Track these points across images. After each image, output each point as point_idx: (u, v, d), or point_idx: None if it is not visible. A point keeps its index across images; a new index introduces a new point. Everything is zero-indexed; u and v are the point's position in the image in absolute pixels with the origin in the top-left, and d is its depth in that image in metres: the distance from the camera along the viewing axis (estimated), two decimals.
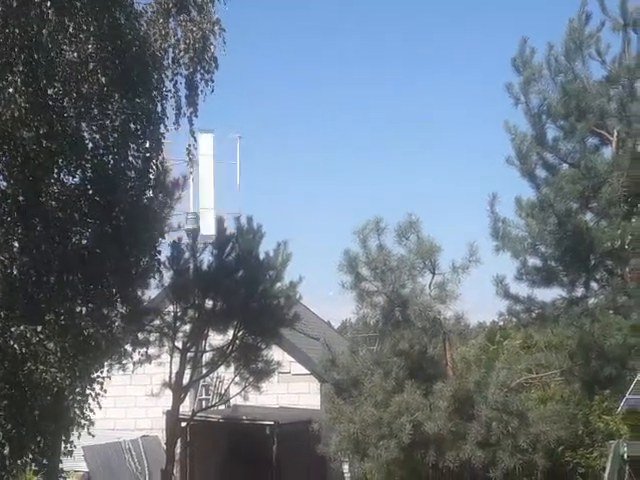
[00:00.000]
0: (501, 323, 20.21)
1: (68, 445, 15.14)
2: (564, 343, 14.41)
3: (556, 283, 15.03)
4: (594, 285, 15.29)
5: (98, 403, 15.13)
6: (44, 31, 12.40)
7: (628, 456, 12.87)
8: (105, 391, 15.44)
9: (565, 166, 14.96)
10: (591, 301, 15.29)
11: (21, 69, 12.46)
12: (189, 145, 15.28)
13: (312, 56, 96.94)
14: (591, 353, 14.20)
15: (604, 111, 14.54)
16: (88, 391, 15.01)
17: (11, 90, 12.22)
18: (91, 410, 15.03)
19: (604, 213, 14.37)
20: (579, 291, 15.18)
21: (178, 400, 19.39)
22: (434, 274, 14.14)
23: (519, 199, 14.85)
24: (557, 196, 14.01)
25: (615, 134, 14.63)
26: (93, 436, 16.25)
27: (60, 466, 15.59)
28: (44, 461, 14.87)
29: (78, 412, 14.92)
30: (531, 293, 15.29)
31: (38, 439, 14.37)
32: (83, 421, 15.15)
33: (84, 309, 14.00)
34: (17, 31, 12.47)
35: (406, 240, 14.19)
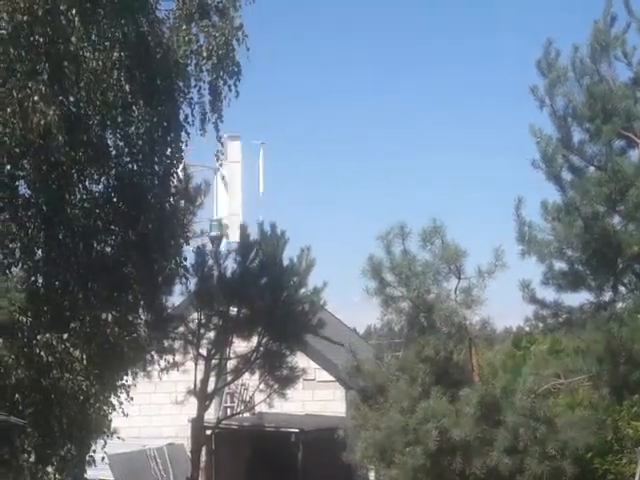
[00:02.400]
0: (527, 328, 20.00)
1: (94, 453, 15.18)
2: (592, 348, 14.23)
3: (583, 287, 14.89)
4: (622, 289, 15.12)
5: (123, 411, 15.16)
6: (73, 39, 12.46)
7: None
8: (132, 399, 15.48)
9: (591, 169, 14.82)
10: (619, 305, 15.12)
11: (46, 77, 12.52)
12: (217, 151, 15.30)
13: (340, 63, 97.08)
14: (619, 358, 14.03)
15: (630, 113, 14.39)
16: (114, 399, 15.06)
17: (36, 98, 12.27)
18: (120, 414, 15.06)
19: (631, 216, 14.21)
20: (607, 295, 15.01)
21: (203, 408, 19.38)
22: (459, 279, 14.02)
23: (545, 203, 14.71)
24: (583, 199, 13.87)
25: None
26: (123, 440, 16.32)
27: (85, 475, 15.63)
28: (70, 470, 14.92)
29: (105, 420, 14.97)
30: (558, 298, 15.14)
31: (66, 447, 14.42)
32: (108, 429, 15.21)
33: (109, 316, 14.04)
34: (42, 40, 12.53)
35: (431, 245, 14.07)
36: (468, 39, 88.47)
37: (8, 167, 13.37)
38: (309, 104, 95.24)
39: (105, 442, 15.61)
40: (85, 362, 13.62)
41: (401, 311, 14.39)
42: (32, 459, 14.36)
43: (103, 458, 16.19)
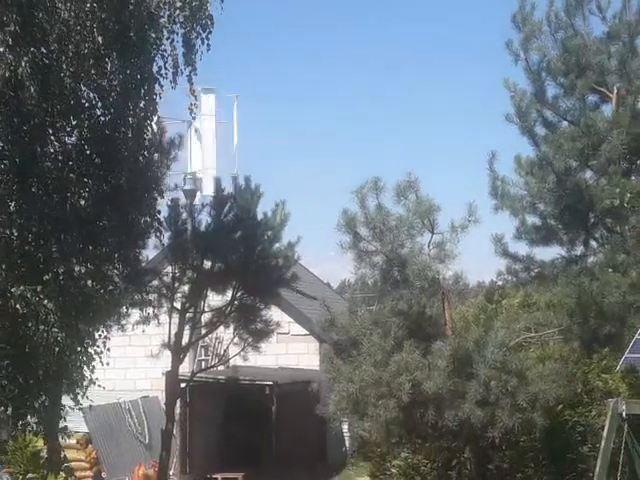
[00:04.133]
0: (500, 282, 20.18)
1: (77, 403, 15.26)
2: (563, 302, 14.37)
3: (555, 242, 15.02)
4: (593, 243, 15.28)
5: (101, 361, 15.20)
6: None
7: (626, 414, 12.89)
8: (109, 349, 15.52)
9: (565, 124, 14.89)
10: (590, 259, 15.28)
11: (13, 28, 12.35)
12: (190, 104, 15.17)
13: (311, 10, 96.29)
14: (590, 311, 14.18)
15: (604, 68, 14.46)
16: (89, 350, 15.08)
17: (3, 49, 12.12)
18: (93, 367, 15.10)
19: (604, 171, 14.31)
20: (578, 249, 15.17)
21: (177, 361, 19.43)
22: (433, 234, 14.06)
23: (518, 157, 14.78)
24: (556, 154, 13.95)
25: (615, 91, 14.54)
26: (104, 388, 16.39)
27: (64, 424, 15.70)
28: (47, 421, 14.97)
29: (81, 371, 15.01)
30: (530, 252, 15.28)
31: (41, 399, 14.44)
32: (85, 380, 15.26)
33: (83, 269, 14.01)
34: None
35: (405, 200, 14.09)
36: None
37: None
38: (285, 54, 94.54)
39: (84, 393, 15.66)
40: (59, 314, 13.58)
41: (375, 265, 14.43)
42: (9, 411, 14.38)
43: (90, 407, 16.29)
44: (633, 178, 14.28)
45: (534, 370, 13.82)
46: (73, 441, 19.68)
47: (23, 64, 12.27)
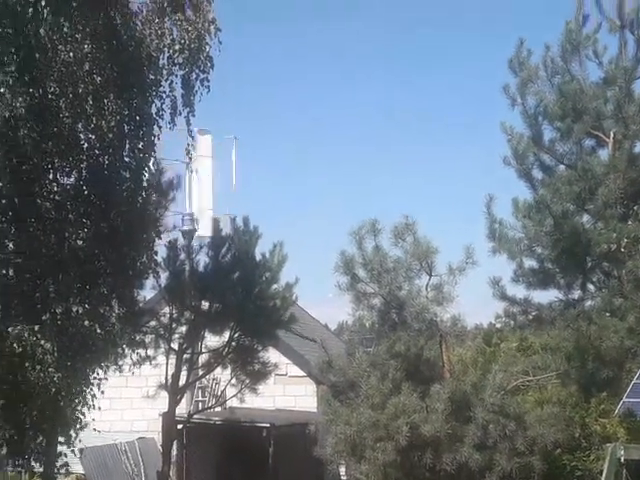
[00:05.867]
0: (498, 325, 20.17)
1: (70, 446, 15.16)
2: (561, 345, 14.35)
3: (553, 285, 15.01)
4: (591, 287, 15.26)
5: (93, 405, 15.12)
6: (41, 31, 12.38)
7: (625, 459, 12.82)
8: (102, 392, 15.43)
9: (562, 167, 14.94)
10: (588, 303, 15.26)
11: (14, 69, 12.43)
12: (188, 145, 15.25)
13: (306, 55, 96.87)
14: (588, 355, 14.17)
15: (601, 113, 14.52)
16: (86, 391, 15.01)
17: (2, 90, 12.20)
18: (89, 408, 15.02)
19: (600, 215, 14.34)
20: (576, 293, 15.15)
21: (174, 402, 19.34)
22: (431, 276, 14.09)
23: (516, 200, 14.82)
24: (554, 197, 13.99)
25: (612, 136, 14.60)
26: (99, 431, 16.28)
27: (61, 463, 15.59)
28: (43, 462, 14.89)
29: (77, 413, 14.92)
30: (528, 295, 15.27)
31: (38, 440, 14.37)
32: (80, 422, 15.17)
33: (80, 309, 13.97)
34: (11, 31, 12.44)
35: (402, 242, 14.13)
36: (440, 36, 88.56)
37: None
38: (283, 99, 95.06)
39: (77, 435, 15.57)
40: (56, 355, 13.53)
41: (373, 307, 14.45)
42: (4, 452, 14.29)
43: (82, 450, 16.16)
44: (630, 223, 14.30)
45: (532, 414, 13.79)
46: None
47: (21, 104, 12.33)
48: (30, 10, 12.28)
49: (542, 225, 14.13)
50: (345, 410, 13.98)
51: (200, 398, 24.00)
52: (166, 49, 14.28)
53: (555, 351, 14.24)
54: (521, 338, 18.68)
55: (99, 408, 15.35)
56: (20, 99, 12.29)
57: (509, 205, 14.93)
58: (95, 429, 15.74)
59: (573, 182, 14.05)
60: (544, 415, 13.71)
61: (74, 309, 13.99)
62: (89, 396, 15.10)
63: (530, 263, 14.98)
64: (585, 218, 14.77)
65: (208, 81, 14.58)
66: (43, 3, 12.26)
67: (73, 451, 15.43)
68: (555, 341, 14.52)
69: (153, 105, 14.44)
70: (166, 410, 19.38)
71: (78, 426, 15.17)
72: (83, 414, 15.11)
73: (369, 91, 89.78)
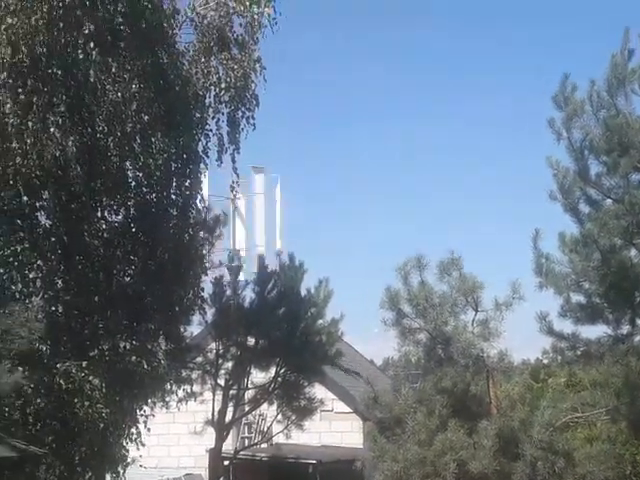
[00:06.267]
0: (545, 361, 20.04)
1: None
2: (610, 381, 14.16)
3: (601, 320, 14.83)
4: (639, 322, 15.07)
5: (140, 441, 15.18)
6: (90, 71, 12.60)
7: None
8: (149, 430, 15.50)
9: (609, 201, 14.80)
10: (637, 338, 15.04)
11: (63, 109, 12.66)
12: (232, 182, 15.41)
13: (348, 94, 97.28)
14: (637, 391, 13.96)
15: None
16: (132, 429, 15.08)
17: (53, 130, 12.41)
18: (137, 444, 15.06)
19: None
20: (624, 328, 14.94)
21: (221, 438, 19.35)
22: (477, 311, 14.01)
23: (562, 235, 14.70)
24: (601, 232, 13.86)
25: None
26: (145, 468, 16.32)
27: None
28: None
29: (124, 450, 14.99)
30: (575, 330, 15.08)
31: (87, 476, 14.45)
32: (127, 458, 15.23)
33: (128, 345, 14.09)
34: (61, 72, 12.68)
35: (448, 277, 14.08)
36: (482, 71, 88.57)
37: (25, 198, 13.48)
38: (330, 135, 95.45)
39: (124, 471, 15.62)
40: (104, 390, 13.64)
41: (418, 343, 14.37)
42: None
43: None
44: None
45: (581, 451, 13.60)
46: None
47: (71, 143, 12.54)
48: (79, 51, 12.52)
49: (589, 260, 14.01)
50: (392, 446, 13.89)
51: (246, 434, 24.00)
52: (212, 87, 14.49)
53: (604, 387, 14.06)
54: (569, 374, 18.48)
55: (141, 444, 15.40)
56: (70, 138, 12.51)
57: (555, 239, 14.83)
58: (141, 465, 15.77)
59: (620, 216, 13.91)
60: (594, 452, 13.53)
61: (122, 345, 14.13)
62: (135, 432, 15.19)
63: (578, 298, 14.83)
64: (633, 252, 14.60)
65: (254, 119, 14.78)
66: (92, 45, 12.50)
67: None
68: (604, 377, 14.33)
69: (200, 143, 14.63)
70: (213, 446, 19.40)
71: (125, 462, 15.24)
72: (128, 450, 15.18)
73: (410, 123, 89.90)
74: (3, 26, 12.08)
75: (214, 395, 19.10)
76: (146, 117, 13.55)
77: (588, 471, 13.19)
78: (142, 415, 15.50)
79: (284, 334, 18.99)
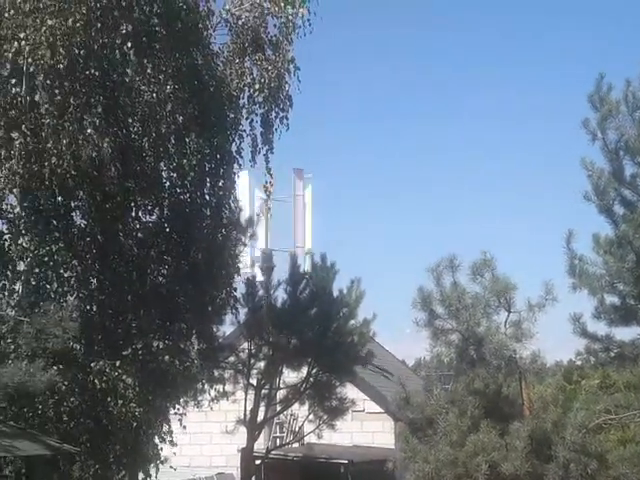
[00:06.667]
0: (579, 362, 19.89)
1: None
2: None
3: (635, 322, 14.75)
4: None
5: (172, 440, 15.25)
6: (128, 70, 12.70)
7: None
8: (184, 427, 15.56)
9: None
10: None
11: (100, 110, 12.77)
12: (266, 182, 15.47)
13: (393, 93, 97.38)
14: None
15: None
16: (164, 428, 15.17)
17: (90, 130, 12.52)
18: (170, 443, 15.12)
19: None
20: None
21: (253, 437, 19.38)
22: (509, 312, 13.95)
23: (597, 236, 14.62)
24: (636, 233, 13.78)
25: None
26: (175, 469, 16.40)
27: None
28: None
29: (156, 448, 15.07)
30: (609, 332, 15.00)
31: (120, 475, 14.55)
32: (160, 457, 15.32)
33: (161, 344, 14.18)
34: (97, 73, 12.79)
35: (481, 278, 14.03)
36: (517, 69, 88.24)
37: (60, 198, 13.60)
38: (364, 134, 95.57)
39: (157, 470, 15.72)
40: (137, 389, 13.73)
41: (450, 343, 14.34)
42: None
43: None
44: None
45: (614, 453, 13.52)
46: None
47: (106, 144, 12.64)
48: (116, 52, 12.62)
49: (624, 261, 13.93)
50: (423, 447, 13.86)
51: (278, 434, 24.05)
52: (246, 88, 14.56)
53: (638, 389, 13.99)
54: (603, 375, 18.37)
55: (172, 442, 15.46)
56: (106, 139, 12.61)
57: (589, 240, 14.76)
58: (171, 467, 15.83)
59: None
60: (627, 454, 13.44)
61: (155, 344, 14.23)
62: (167, 431, 15.27)
63: (612, 299, 14.74)
64: None
65: (287, 119, 14.86)
66: (129, 45, 12.58)
67: None
68: (638, 379, 14.27)
69: (233, 143, 14.70)
70: (244, 445, 19.44)
71: (159, 461, 15.33)
72: (161, 449, 15.26)
73: (444, 129, 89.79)
74: (44, 28, 12.17)
75: (246, 394, 19.13)
76: (180, 118, 13.65)
77: (621, 473, 13.11)
78: (177, 413, 15.57)
79: (316, 334, 18.99)
